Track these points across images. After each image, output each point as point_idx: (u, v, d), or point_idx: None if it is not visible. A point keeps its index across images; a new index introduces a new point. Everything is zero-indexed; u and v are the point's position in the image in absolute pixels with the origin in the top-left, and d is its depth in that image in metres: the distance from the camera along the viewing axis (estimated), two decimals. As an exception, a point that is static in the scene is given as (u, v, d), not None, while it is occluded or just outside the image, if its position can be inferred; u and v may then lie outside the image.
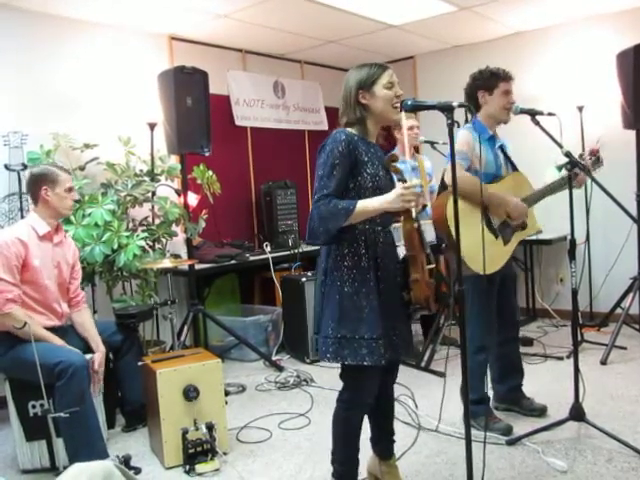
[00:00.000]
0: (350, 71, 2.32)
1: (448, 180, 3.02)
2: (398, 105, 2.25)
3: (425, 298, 2.24)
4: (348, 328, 2.19)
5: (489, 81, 3.06)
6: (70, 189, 3.12)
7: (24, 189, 3.64)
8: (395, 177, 2.36)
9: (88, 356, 3.04)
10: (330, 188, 2.14)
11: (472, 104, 3.08)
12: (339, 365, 2.30)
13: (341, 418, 2.36)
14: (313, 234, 2.19)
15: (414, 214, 2.22)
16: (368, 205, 2.14)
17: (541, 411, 3.27)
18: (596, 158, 3.06)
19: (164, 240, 4.29)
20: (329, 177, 2.16)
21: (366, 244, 2.25)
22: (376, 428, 2.55)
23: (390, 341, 2.26)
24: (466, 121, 3.19)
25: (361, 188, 2.22)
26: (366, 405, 2.35)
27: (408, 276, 2.25)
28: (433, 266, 2.30)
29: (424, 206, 4.38)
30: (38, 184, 3.06)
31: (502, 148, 3.18)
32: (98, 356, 3.10)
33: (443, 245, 3.12)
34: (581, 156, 3.06)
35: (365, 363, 2.18)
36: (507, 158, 3.19)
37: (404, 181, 2.29)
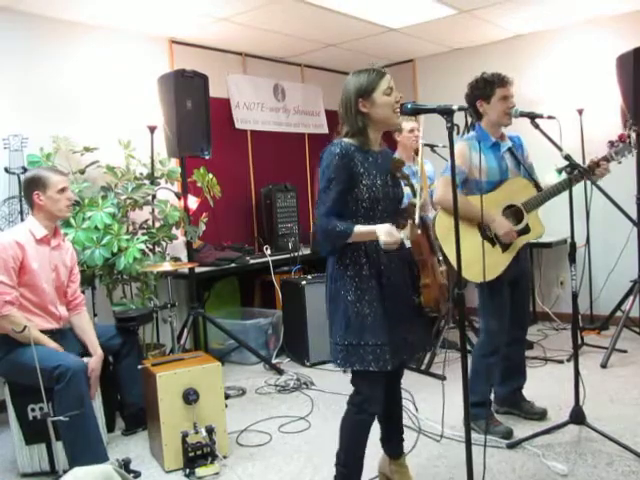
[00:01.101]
0: (348, 78, 2.30)
1: (437, 199, 3.06)
2: (399, 110, 2.25)
3: (435, 301, 2.27)
4: (354, 335, 2.23)
5: (485, 90, 3.04)
6: (63, 190, 3.10)
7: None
8: (402, 183, 2.37)
9: (86, 359, 3.04)
10: (327, 204, 2.21)
11: (474, 112, 3.09)
12: (340, 369, 2.33)
13: (351, 421, 2.37)
14: (319, 248, 2.38)
15: (416, 220, 2.22)
16: (364, 234, 2.20)
17: (541, 414, 3.27)
18: (627, 144, 3.00)
19: (164, 243, 4.29)
20: (326, 192, 2.22)
21: (366, 253, 2.26)
22: (385, 427, 2.57)
23: (403, 343, 2.29)
24: (466, 124, 3.19)
25: (358, 200, 2.24)
26: (375, 410, 2.36)
27: (419, 280, 2.27)
28: (445, 268, 2.32)
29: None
30: (30, 190, 3.07)
31: (511, 151, 3.15)
32: (93, 360, 3.10)
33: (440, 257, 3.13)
34: (612, 144, 2.99)
35: (371, 369, 2.22)
36: (518, 161, 3.16)
37: (411, 186, 2.30)
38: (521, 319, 3.30)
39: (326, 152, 2.25)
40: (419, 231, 2.24)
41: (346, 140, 2.26)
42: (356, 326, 2.23)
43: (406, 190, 2.37)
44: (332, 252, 2.31)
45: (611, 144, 2.97)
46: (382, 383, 2.32)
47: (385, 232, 2.14)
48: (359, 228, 2.20)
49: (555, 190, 3.03)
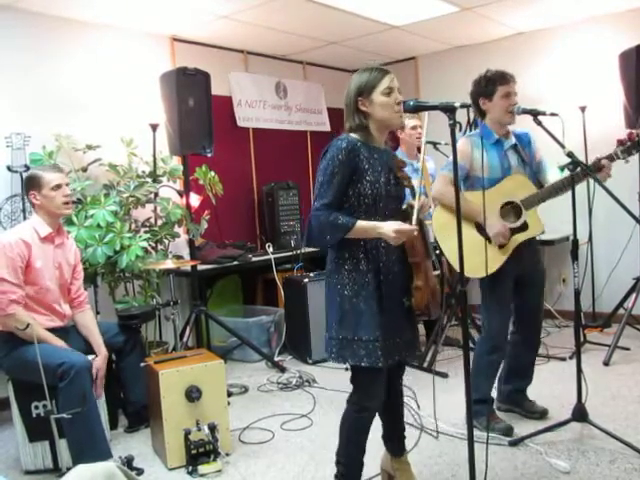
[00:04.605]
0: (353, 76, 2.31)
1: (434, 194, 3.08)
2: (400, 110, 2.24)
3: (425, 305, 2.26)
4: (348, 330, 2.24)
5: (487, 88, 3.03)
6: (58, 186, 3.09)
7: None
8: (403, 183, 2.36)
9: (91, 357, 3.05)
10: (329, 197, 2.19)
11: (477, 111, 3.09)
12: (342, 366, 2.32)
13: (350, 420, 2.37)
14: (312, 241, 2.27)
15: (414, 222, 2.21)
16: (366, 229, 2.19)
17: (542, 414, 3.26)
18: (635, 143, 2.89)
19: (166, 241, 4.30)
20: (328, 185, 2.20)
21: (365, 248, 2.26)
22: (387, 425, 2.57)
23: (394, 344, 2.29)
24: (468, 121, 3.19)
25: (360, 195, 2.24)
26: (375, 408, 2.37)
27: (411, 282, 2.27)
28: (438, 272, 2.31)
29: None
30: (27, 190, 3.11)
31: (516, 148, 3.12)
32: (98, 360, 3.11)
33: (437, 251, 3.13)
34: (621, 142, 2.92)
35: (363, 364, 2.22)
36: (523, 158, 3.13)
37: (411, 188, 2.30)
38: (534, 321, 3.23)
39: (332, 145, 2.24)
40: (415, 233, 2.23)
41: (352, 135, 2.27)
42: (351, 321, 2.23)
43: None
44: (329, 244, 2.28)
45: (620, 142, 2.92)
46: (382, 381, 2.32)
47: (394, 230, 2.13)
48: (361, 223, 2.18)
49: (555, 188, 2.98)
